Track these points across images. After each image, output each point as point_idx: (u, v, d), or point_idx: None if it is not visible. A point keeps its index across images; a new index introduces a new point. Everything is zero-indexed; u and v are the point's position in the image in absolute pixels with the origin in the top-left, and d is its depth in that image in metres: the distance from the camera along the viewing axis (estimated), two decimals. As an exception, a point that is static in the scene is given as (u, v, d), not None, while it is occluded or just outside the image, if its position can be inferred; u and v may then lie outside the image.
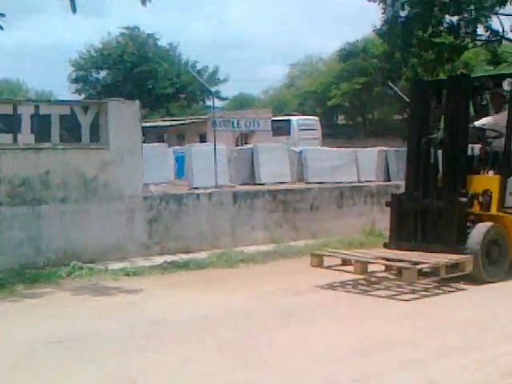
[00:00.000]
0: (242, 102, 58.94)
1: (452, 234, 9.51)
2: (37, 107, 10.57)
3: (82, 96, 50.82)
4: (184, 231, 11.70)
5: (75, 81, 53.57)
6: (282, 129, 30.07)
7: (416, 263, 8.77)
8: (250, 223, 12.49)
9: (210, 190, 12.71)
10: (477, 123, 10.40)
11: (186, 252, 11.38)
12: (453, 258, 9.02)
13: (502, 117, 10.11)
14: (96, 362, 5.99)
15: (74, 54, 53.31)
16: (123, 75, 50.18)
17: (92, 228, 10.61)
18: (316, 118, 33.28)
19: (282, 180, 15.26)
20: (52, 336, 6.72)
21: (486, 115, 10.65)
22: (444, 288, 8.96)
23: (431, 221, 9.82)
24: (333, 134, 37.51)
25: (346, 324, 7.21)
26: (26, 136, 10.38)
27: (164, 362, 5.94)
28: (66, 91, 55.29)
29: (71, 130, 10.81)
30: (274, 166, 16.04)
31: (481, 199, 9.77)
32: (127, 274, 9.70)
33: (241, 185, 14.79)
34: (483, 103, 10.87)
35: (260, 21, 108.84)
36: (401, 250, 9.75)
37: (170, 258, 10.82)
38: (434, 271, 9.01)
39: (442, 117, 10.44)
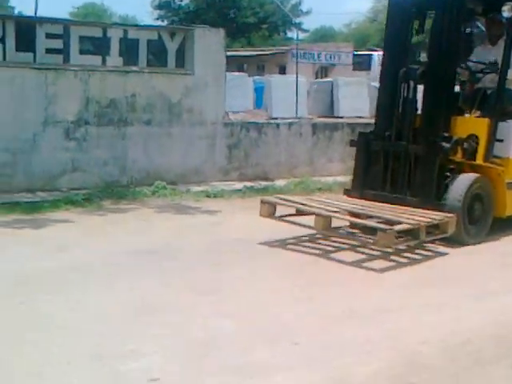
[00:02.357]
0: (324, 35, 58.39)
1: (430, 186, 7.98)
2: (125, 31, 10.82)
3: (165, 22, 50.97)
4: (262, 159, 11.97)
5: (158, 7, 53.74)
6: (362, 63, 29.80)
7: (391, 223, 7.20)
8: (328, 154, 12.66)
9: (289, 120, 12.91)
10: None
11: (264, 179, 11.68)
12: (433, 216, 7.45)
13: (497, 49, 8.58)
14: (178, 272, 6.41)
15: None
16: (206, 3, 50.11)
17: (174, 151, 10.96)
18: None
19: (361, 114, 15.29)
20: (138, 248, 7.15)
21: (475, 46, 9.15)
22: (420, 252, 7.53)
23: (405, 168, 8.21)
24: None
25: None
26: (114, 59, 10.67)
27: (240, 277, 6.30)
28: (148, 17, 55.63)
29: (158, 55, 11.08)
30: (353, 100, 16.10)
31: (466, 145, 8.13)
32: (208, 196, 10.06)
33: (319, 117, 14.92)
34: (476, 31, 9.33)
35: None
36: (365, 199, 8.25)
37: (248, 183, 11.14)
38: (410, 231, 7.31)
39: (427, 45, 8.69)
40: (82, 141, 10.31)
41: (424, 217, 7.38)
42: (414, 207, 7.76)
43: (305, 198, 8.37)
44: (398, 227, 7.05)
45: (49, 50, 10.14)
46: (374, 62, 31.01)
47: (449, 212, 7.64)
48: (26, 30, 10.00)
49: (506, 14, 8.00)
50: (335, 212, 7.58)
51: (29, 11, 50.90)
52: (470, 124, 8.35)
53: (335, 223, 7.60)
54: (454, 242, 7.76)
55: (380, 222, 7.41)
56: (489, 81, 8.61)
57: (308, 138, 12.57)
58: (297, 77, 15.26)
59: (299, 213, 7.88)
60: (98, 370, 4.28)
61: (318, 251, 7.31)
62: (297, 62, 18.07)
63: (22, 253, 6.92)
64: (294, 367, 4.41)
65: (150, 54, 10.96)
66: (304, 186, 11.08)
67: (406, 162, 8.19)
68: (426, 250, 7.56)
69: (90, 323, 5.06)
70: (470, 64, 8.80)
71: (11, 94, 9.76)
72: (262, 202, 7.97)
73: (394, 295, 6.00)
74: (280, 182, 11.42)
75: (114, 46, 10.65)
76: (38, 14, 12.52)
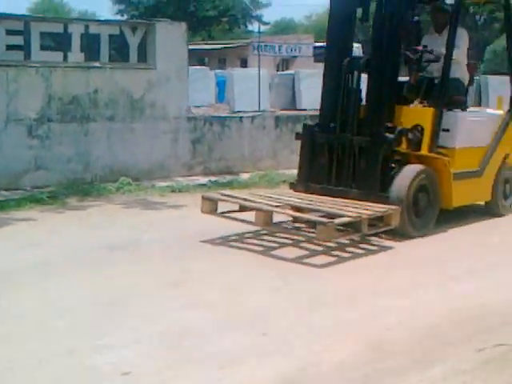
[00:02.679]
0: (284, 28, 58.53)
1: (374, 178, 7.80)
2: (86, 26, 10.76)
3: (125, 17, 50.75)
4: (226, 153, 12.00)
5: (118, 1, 53.46)
6: (323, 55, 29.93)
7: (332, 216, 7.05)
8: (291, 147, 12.68)
9: (252, 114, 12.96)
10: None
11: (228, 173, 11.72)
12: (376, 209, 7.31)
13: (443, 37, 8.45)
14: (148, 264, 6.49)
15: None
16: (166, -3, 49.95)
17: (138, 146, 10.93)
18: (358, 44, 33.02)
19: (323, 106, 15.36)
20: (110, 243, 7.16)
21: (422, 34, 9.00)
22: (364, 246, 7.39)
23: (349, 160, 8.02)
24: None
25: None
26: (75, 55, 10.62)
27: (206, 268, 6.41)
28: (108, 12, 55.29)
29: (119, 50, 11.06)
30: (314, 92, 16.18)
31: (410, 136, 7.93)
32: (173, 191, 10.07)
33: (282, 110, 14.99)
34: (414, 20, 9.00)
35: None
36: (310, 193, 8.06)
37: (212, 178, 11.16)
38: (353, 225, 7.20)
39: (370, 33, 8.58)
40: (45, 138, 10.24)
41: (367, 209, 7.24)
42: (358, 200, 7.58)
43: (248, 193, 8.16)
44: (337, 220, 6.89)
45: (9, 47, 10.07)
46: (355, 53, 31.18)
47: (393, 204, 7.49)
48: (-15, 27, 9.91)
49: (449, 0, 8.05)
50: (277, 207, 7.42)
51: (-14, 7, 50.24)
52: (415, 114, 8.20)
53: (279, 218, 7.55)
54: (399, 234, 7.65)
55: (322, 216, 7.24)
56: (435, 70, 8.49)
57: (271, 131, 12.62)
58: (259, 70, 15.34)
59: (242, 209, 7.65)
60: (69, 365, 4.31)
61: (260, 247, 7.19)
62: (258, 55, 18.16)
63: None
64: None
65: (111, 49, 10.94)
66: (268, 179, 11.13)
67: (350, 154, 8.00)
68: (370, 244, 7.43)
69: (60, 318, 5.08)
70: (415, 52, 8.48)
71: (-29, 92, 9.67)
72: (203, 198, 7.77)
73: (332, 289, 5.97)
74: (244, 176, 11.47)
75: (76, 42, 10.59)
76: (-4, 11, 12.39)
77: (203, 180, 11.03)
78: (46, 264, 6.45)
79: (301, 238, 7.42)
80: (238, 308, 5.39)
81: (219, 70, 24.45)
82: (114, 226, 8.09)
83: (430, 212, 8.05)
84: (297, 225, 7.96)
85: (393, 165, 7.97)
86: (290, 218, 7.93)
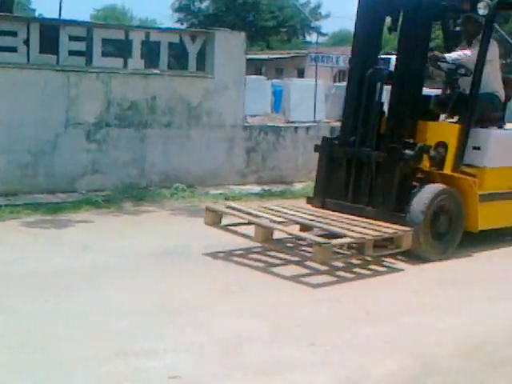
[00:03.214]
0: (343, 39, 58.34)
1: (389, 197, 7.40)
2: (147, 34, 10.93)
3: (185, 25, 51.27)
4: (280, 162, 12.05)
5: (178, 9, 54.04)
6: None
7: (334, 236, 6.69)
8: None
9: (307, 124, 13.00)
10: (448, 56, 8.04)
11: (281, 183, 11.76)
12: (385, 230, 6.91)
13: (473, 50, 7.90)
14: (198, 272, 6.58)
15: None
16: (225, 6, 50.35)
17: (193, 153, 11.04)
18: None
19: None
20: (165, 248, 7.30)
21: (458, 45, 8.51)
22: (374, 267, 7.02)
23: (367, 176, 7.62)
24: (430, 75, 37.00)
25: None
26: (135, 61, 10.78)
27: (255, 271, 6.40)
28: (168, 20, 55.91)
29: (178, 58, 11.18)
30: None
31: (432, 153, 7.45)
32: (226, 199, 10.13)
33: (337, 121, 14.97)
34: (456, 30, 8.64)
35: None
36: (326, 208, 7.75)
37: (266, 187, 11.20)
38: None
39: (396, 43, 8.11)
40: (103, 142, 10.42)
41: (375, 230, 6.86)
42: (373, 219, 7.24)
43: (257, 207, 7.83)
44: (335, 241, 6.55)
45: (72, 52, 10.24)
46: (393, 66, 31.07)
47: (410, 225, 7.11)
48: (50, 33, 10.11)
49: (481, 11, 7.47)
50: (280, 222, 7.12)
51: (49, 13, 51.20)
52: (440, 130, 7.75)
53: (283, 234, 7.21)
54: (417, 257, 7.29)
55: (323, 235, 6.84)
56: (466, 84, 8.01)
57: (326, 142, 12.62)
58: (315, 80, 15.36)
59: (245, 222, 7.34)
60: (120, 367, 4.38)
61: (261, 264, 6.95)
62: (315, 66, 18.18)
63: (46, 252, 7.06)
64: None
65: (170, 56, 11.07)
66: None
67: (367, 170, 7.62)
68: (381, 266, 7.09)
69: (112, 321, 5.17)
70: (445, 65, 8.09)
71: (34, 96, 9.87)
72: (207, 209, 7.57)
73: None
74: (297, 186, 11.50)
75: (136, 49, 10.76)
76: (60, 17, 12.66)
77: (256, 189, 11.10)
78: (103, 267, 6.58)
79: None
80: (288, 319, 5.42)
81: (276, 80, 24.56)
82: (166, 231, 8.18)
83: (452, 235, 7.58)
84: (301, 242, 7.53)
85: (415, 183, 7.57)
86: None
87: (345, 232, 6.74)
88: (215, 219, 7.47)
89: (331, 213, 7.53)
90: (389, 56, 33.30)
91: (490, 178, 7.88)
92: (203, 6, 53.71)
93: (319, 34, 49.28)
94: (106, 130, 10.43)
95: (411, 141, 7.54)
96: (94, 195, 9.74)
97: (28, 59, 9.96)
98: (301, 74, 34.58)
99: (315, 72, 16.94)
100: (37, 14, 48.63)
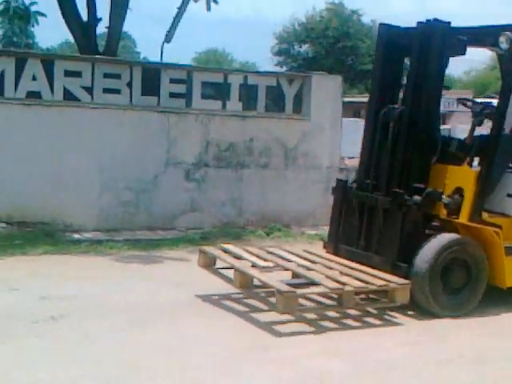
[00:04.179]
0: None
1: (392, 245, 6.85)
2: (245, 77, 11.19)
3: (284, 68, 51.82)
4: (376, 204, 12.02)
5: (278, 53, 54.69)
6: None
7: (305, 285, 6.44)
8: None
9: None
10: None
11: (377, 224, 11.72)
12: (376, 282, 6.42)
13: None
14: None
15: (278, 27, 54.26)
16: (325, 49, 50.65)
17: (289, 194, 11.17)
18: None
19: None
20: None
21: None
22: (368, 320, 6.53)
23: (377, 223, 7.16)
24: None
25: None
26: (233, 103, 11.03)
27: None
28: (268, 63, 56.66)
29: (275, 100, 11.38)
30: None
31: (446, 200, 6.87)
32: (322, 239, 10.14)
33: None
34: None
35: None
36: (338, 255, 7.35)
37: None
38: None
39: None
40: (201, 182, 10.68)
41: (365, 281, 6.42)
42: (378, 269, 6.76)
43: (259, 249, 7.53)
44: (301, 291, 6.19)
45: (172, 94, 10.60)
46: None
47: (415, 277, 6.61)
48: (152, 75, 10.50)
49: (503, 45, 6.81)
50: (265, 268, 6.82)
51: (153, 57, 52.75)
52: (457, 175, 7.09)
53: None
54: (428, 313, 6.72)
55: (297, 284, 6.48)
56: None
57: (423, 185, 12.55)
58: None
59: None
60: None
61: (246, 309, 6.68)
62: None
63: (140, 286, 7.27)
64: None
65: (268, 99, 11.28)
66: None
67: (377, 216, 7.14)
68: (378, 319, 6.58)
69: (195, 356, 5.31)
70: (472, 105, 7.63)
71: (136, 136, 10.24)
72: (200, 251, 7.38)
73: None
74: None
75: (234, 92, 11.02)
76: (162, 60, 13.07)
77: (351, 230, 11.09)
78: (192, 303, 6.74)
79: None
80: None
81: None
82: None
83: (470, 290, 6.90)
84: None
85: (431, 232, 6.99)
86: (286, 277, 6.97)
87: (321, 281, 6.34)
88: (208, 261, 7.26)
89: (336, 260, 7.14)
90: (490, 100, 32.85)
91: None
92: (303, 49, 54.21)
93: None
94: (204, 170, 10.69)
95: (419, 185, 6.99)
96: (192, 233, 9.96)
97: (131, 101, 10.35)
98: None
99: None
100: (141, 56, 50.28)
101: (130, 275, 7.76)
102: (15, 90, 9.73)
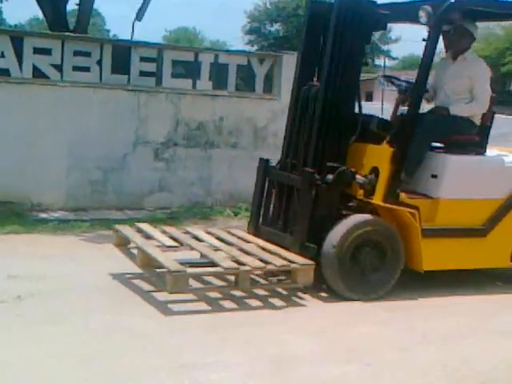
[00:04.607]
0: (413, 63, 58.14)
1: (302, 226, 6.60)
2: (216, 56, 11.13)
3: (255, 47, 51.82)
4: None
5: (249, 32, 54.64)
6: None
7: (205, 265, 6.32)
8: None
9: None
10: None
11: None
12: (276, 262, 6.25)
13: (456, 65, 7.27)
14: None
15: (249, 5, 54.16)
16: (296, 29, 50.65)
17: (258, 174, 11.16)
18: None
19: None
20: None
21: None
22: (269, 301, 6.34)
23: (289, 202, 6.98)
24: (503, 101, 36.63)
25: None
26: (204, 82, 10.99)
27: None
28: (238, 42, 56.54)
29: (246, 80, 11.36)
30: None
31: (360, 180, 6.64)
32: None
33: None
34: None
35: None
36: (258, 236, 7.11)
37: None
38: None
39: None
40: (170, 161, 10.65)
41: (266, 261, 6.27)
42: (289, 249, 6.55)
43: (172, 230, 7.33)
44: (192, 270, 6.02)
45: (142, 73, 10.53)
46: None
47: (323, 259, 6.43)
48: (122, 53, 10.41)
49: (422, 20, 6.60)
50: (171, 247, 6.69)
51: (122, 34, 52.34)
52: (374, 154, 6.81)
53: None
54: (339, 295, 6.51)
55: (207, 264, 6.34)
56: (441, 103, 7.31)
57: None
58: (382, 104, 15.38)
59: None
60: (181, 381, 4.49)
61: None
62: (382, 90, 18.18)
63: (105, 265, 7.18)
64: None
65: (238, 78, 11.25)
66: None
67: (293, 196, 6.91)
68: (282, 299, 6.40)
69: (174, 335, 5.31)
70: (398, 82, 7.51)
71: (105, 115, 10.17)
72: (114, 230, 7.24)
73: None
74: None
75: (205, 70, 10.96)
76: (133, 38, 12.97)
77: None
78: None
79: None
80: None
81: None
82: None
83: (384, 274, 6.62)
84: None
85: (347, 213, 6.74)
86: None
87: (219, 261, 6.18)
88: (121, 241, 7.08)
89: (254, 241, 6.94)
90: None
91: (444, 210, 6.85)
92: (274, 28, 54.20)
93: (388, 57, 49.31)
94: (173, 149, 10.66)
95: (332, 164, 6.68)
96: (160, 213, 9.94)
97: (100, 79, 10.26)
98: (369, 97, 34.55)
99: (381, 96, 16.94)
100: (111, 34, 49.86)
101: (95, 254, 7.70)
102: (-18, 67, 9.63)
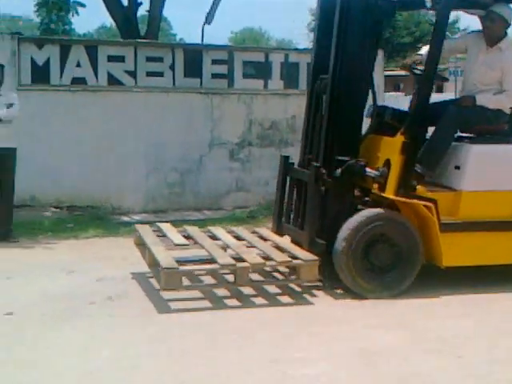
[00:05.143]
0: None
1: (311, 221, 6.39)
2: (286, 55, 11.22)
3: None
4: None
5: (314, 29, 54.44)
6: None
7: (200, 262, 6.27)
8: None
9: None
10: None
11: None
12: (279, 258, 6.12)
13: (494, 52, 6.82)
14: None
15: (313, 3, 54.11)
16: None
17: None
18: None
19: None
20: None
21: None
22: (280, 298, 6.24)
23: (302, 198, 6.83)
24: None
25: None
26: (275, 82, 11.08)
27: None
28: (304, 40, 56.44)
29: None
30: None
31: (371, 173, 6.34)
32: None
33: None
34: None
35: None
36: (280, 234, 7.00)
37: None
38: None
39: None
40: (245, 161, 10.78)
41: (269, 258, 6.15)
42: (300, 245, 6.40)
43: (191, 229, 7.15)
44: (184, 268, 5.94)
45: (214, 75, 10.69)
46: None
47: (335, 255, 6.21)
48: (193, 57, 10.61)
49: (428, 4, 6.39)
50: (182, 245, 6.53)
51: (189, 38, 52.84)
52: (387, 146, 6.53)
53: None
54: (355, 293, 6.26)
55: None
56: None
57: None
58: (455, 95, 15.16)
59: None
60: (272, 374, 4.56)
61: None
62: (455, 81, 17.97)
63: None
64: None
65: (308, 76, 11.29)
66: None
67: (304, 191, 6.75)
68: (290, 297, 6.27)
69: (264, 331, 5.38)
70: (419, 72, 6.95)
71: (180, 118, 10.36)
72: (136, 229, 7.13)
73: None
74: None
75: (276, 70, 11.06)
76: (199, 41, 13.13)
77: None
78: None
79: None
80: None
81: (414, 96, 24.28)
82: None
83: (399, 270, 6.29)
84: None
85: (361, 208, 6.48)
86: None
87: (218, 258, 6.02)
88: (139, 240, 6.94)
89: (272, 238, 6.82)
90: None
91: (467, 203, 6.46)
92: (339, 25, 53.92)
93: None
94: (248, 149, 10.79)
95: (343, 158, 6.40)
96: (239, 212, 10.08)
97: (174, 83, 10.45)
98: (440, 89, 34.06)
99: (455, 86, 16.72)
100: (178, 38, 50.39)
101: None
102: (61, 76, 9.91)
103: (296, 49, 13.82)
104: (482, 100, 6.72)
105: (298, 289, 6.45)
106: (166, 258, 5.99)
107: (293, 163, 7.17)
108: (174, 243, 6.57)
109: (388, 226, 6.28)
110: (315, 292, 6.41)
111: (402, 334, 5.38)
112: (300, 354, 4.89)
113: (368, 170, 6.36)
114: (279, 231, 7.07)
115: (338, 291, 6.40)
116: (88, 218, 9.50)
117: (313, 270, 6.01)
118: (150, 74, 10.37)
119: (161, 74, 10.44)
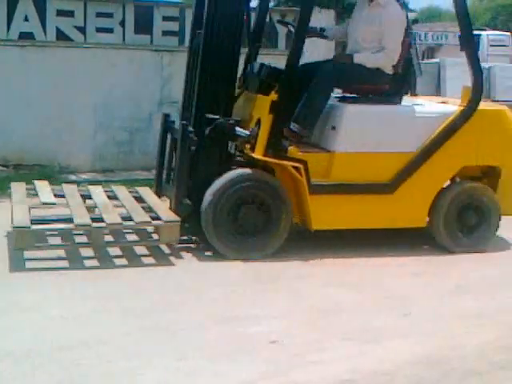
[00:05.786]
0: (430, 15, 57.46)
1: (179, 181, 6.21)
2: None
3: (271, 3, 51.27)
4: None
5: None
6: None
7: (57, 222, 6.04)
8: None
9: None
10: None
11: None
12: (139, 219, 5.96)
13: (371, 9, 6.64)
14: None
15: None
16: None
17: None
18: (508, 33, 32.01)
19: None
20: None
21: None
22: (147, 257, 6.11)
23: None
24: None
25: None
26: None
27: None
28: (254, -2, 55.96)
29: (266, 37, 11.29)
30: (460, 81, 15.92)
31: (241, 132, 6.17)
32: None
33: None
34: None
35: None
36: (160, 195, 6.85)
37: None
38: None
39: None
40: (195, 121, 10.67)
41: (127, 219, 6.02)
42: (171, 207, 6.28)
43: (68, 187, 6.98)
44: (39, 227, 5.79)
45: (165, 32, 10.55)
46: (483, 42, 30.43)
47: (201, 216, 6.09)
48: (144, 13, 10.43)
49: None
50: (49, 204, 6.35)
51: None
52: (260, 104, 6.27)
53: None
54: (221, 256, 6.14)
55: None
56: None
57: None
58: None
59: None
60: (224, 332, 4.61)
61: None
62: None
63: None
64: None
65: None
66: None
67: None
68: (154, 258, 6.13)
69: (215, 290, 5.43)
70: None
71: (129, 75, 10.19)
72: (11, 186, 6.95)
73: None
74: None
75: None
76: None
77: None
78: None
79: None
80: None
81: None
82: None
83: (268, 232, 6.15)
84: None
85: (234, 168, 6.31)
86: None
87: (75, 217, 5.88)
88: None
89: (149, 198, 6.67)
90: (480, 32, 32.76)
91: (340, 165, 6.26)
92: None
93: (406, 9, 48.59)
94: (198, 109, 10.68)
95: (212, 116, 6.20)
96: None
97: (124, 40, 10.29)
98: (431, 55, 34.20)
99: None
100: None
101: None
102: (7, 31, 9.67)
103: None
104: (360, 58, 6.52)
105: (167, 250, 6.28)
106: (21, 216, 5.79)
107: (174, 121, 6.96)
108: (41, 202, 6.36)
109: (256, 186, 6.12)
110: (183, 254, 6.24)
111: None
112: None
113: (238, 129, 6.18)
114: (158, 192, 6.90)
115: (207, 253, 6.27)
116: (35, 176, 9.30)
117: (174, 232, 5.88)
118: (99, 29, 10.16)
119: (111, 31, 10.24)
